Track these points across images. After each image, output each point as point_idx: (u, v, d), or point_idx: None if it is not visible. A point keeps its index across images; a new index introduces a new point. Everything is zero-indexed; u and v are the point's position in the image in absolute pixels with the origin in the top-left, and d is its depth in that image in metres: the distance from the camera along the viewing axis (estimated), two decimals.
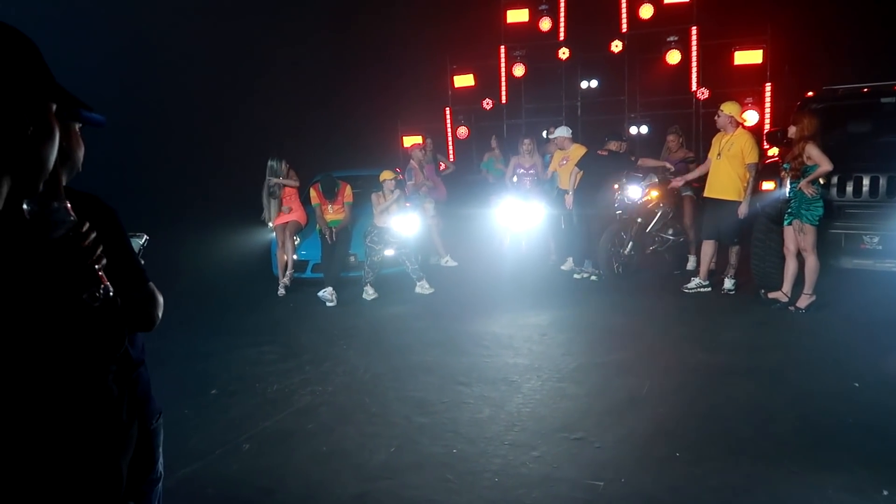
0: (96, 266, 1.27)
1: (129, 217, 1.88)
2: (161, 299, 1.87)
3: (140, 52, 11.37)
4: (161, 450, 2.10)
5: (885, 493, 3.08)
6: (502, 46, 13.22)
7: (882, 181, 5.96)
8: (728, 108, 6.78)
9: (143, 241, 1.99)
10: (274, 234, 8.09)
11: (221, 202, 11.86)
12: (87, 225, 1.24)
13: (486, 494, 3.28)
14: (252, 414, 4.40)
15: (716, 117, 6.88)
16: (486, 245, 9.59)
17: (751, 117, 10.43)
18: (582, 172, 7.97)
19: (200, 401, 4.68)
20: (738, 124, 6.84)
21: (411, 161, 9.21)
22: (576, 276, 7.94)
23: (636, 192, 7.66)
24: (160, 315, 1.87)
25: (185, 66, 12.50)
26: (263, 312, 7.21)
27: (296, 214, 8.01)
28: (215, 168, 12.90)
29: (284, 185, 7.91)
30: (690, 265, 7.97)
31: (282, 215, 7.97)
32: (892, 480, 3.18)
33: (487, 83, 13.51)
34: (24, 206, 1.13)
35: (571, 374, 4.89)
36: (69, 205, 1.18)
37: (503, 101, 13.55)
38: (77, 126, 1.61)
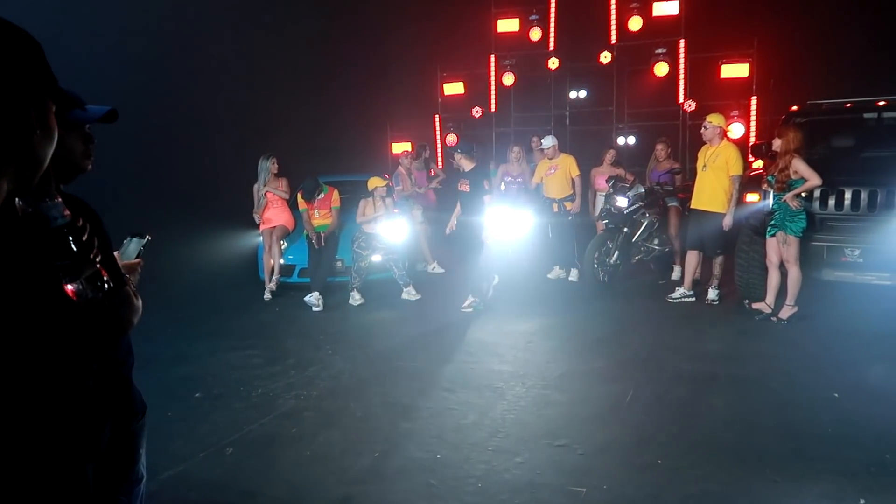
0: (96, 260, 1.28)
1: (113, 220, 1.89)
2: (139, 304, 1.86)
3: (124, 53, 11.31)
4: (143, 451, 2.09)
5: (863, 501, 3.13)
6: (492, 55, 13.30)
7: (864, 195, 6.05)
8: (715, 120, 6.86)
9: (146, 241, 2.01)
10: (261, 238, 8.08)
11: (208, 205, 11.81)
12: (82, 220, 1.25)
13: (470, 500, 3.29)
14: (236, 418, 4.39)
15: (702, 129, 6.93)
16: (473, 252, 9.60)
17: (736, 130, 10.55)
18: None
19: (184, 404, 4.66)
20: (724, 136, 6.92)
21: (399, 167, 9.27)
22: (463, 308, 7.04)
23: (623, 202, 7.72)
24: (136, 320, 1.85)
25: (171, 68, 12.45)
26: (249, 316, 7.19)
27: (283, 219, 8.00)
28: (201, 170, 12.84)
29: (276, 194, 7.91)
30: (675, 275, 8.04)
31: (268, 219, 7.95)
32: (870, 488, 3.23)
33: (477, 91, 13.58)
34: (18, 203, 1.13)
35: (556, 381, 4.91)
36: (61, 201, 1.19)
37: (492, 110, 13.62)
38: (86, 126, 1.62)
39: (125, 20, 11.22)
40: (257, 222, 8.03)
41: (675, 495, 3.28)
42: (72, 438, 1.33)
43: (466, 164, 7.13)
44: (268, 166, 7.87)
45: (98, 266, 1.29)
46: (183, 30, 12.31)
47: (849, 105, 7.22)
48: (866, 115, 6.93)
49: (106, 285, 1.32)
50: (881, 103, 6.89)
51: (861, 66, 12.37)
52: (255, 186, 7.98)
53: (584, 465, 3.60)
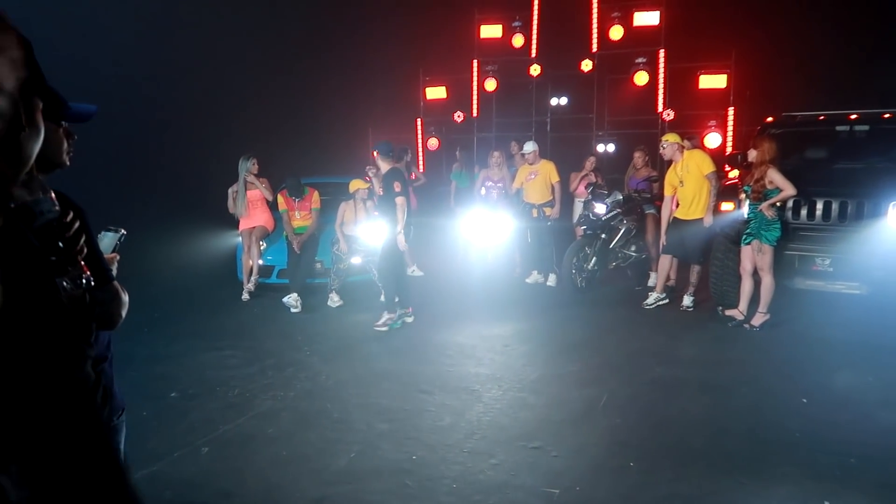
0: (79, 255, 1.30)
1: (91, 216, 1.90)
2: (126, 298, 1.89)
3: (109, 52, 11.21)
4: (122, 447, 2.10)
5: (827, 503, 3.21)
6: (475, 61, 13.38)
7: (835, 206, 6.20)
8: (671, 138, 7.08)
9: (121, 235, 2.01)
10: (240, 238, 8.05)
11: (187, 204, 11.72)
12: (71, 215, 1.27)
13: (445, 500, 3.32)
14: (212, 417, 4.38)
15: (661, 150, 7.12)
16: (453, 256, 9.67)
17: (713, 140, 10.73)
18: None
19: (160, 403, 4.64)
20: (683, 148, 7.07)
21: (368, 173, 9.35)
22: (377, 327, 6.54)
23: (601, 209, 7.82)
24: (124, 314, 1.90)
25: (154, 68, 12.35)
26: (227, 317, 7.17)
27: (262, 219, 7.99)
28: (181, 169, 12.75)
29: (257, 188, 7.86)
30: (651, 281, 8.14)
31: (247, 219, 7.93)
32: (834, 491, 3.31)
33: (459, 96, 13.65)
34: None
35: (532, 384, 4.96)
36: (53, 195, 1.21)
37: (474, 115, 13.69)
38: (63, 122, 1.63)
39: (111, 19, 11.13)
40: (237, 215, 7.99)
41: (646, 497, 3.34)
42: (83, 421, 1.35)
43: (383, 166, 6.68)
44: (248, 166, 7.86)
45: (80, 261, 1.31)
46: (168, 31, 12.23)
47: (822, 118, 7.39)
48: (838, 128, 7.10)
49: (86, 281, 1.34)
50: (853, 116, 7.07)
51: (835, 79, 12.64)
52: (232, 188, 7.94)
53: (558, 467, 3.65)
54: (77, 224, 1.29)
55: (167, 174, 12.85)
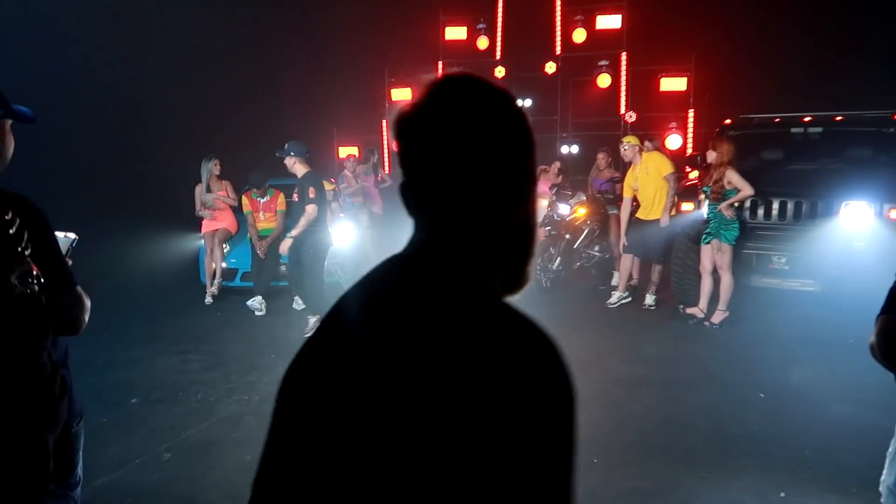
0: (25, 252, 1.28)
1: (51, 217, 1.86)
2: (88, 303, 1.87)
3: (65, 47, 10.96)
4: (81, 454, 2.06)
5: (783, 494, 3.30)
6: (440, 62, 13.40)
7: (790, 205, 6.38)
8: (632, 140, 7.20)
9: (73, 240, 1.97)
10: (202, 240, 7.94)
11: (148, 205, 11.52)
12: (11, 213, 1.24)
13: None
14: (174, 423, 4.31)
15: (622, 152, 7.22)
16: None
17: (674, 141, 10.92)
18: None
19: (120, 410, 4.55)
20: (641, 150, 7.20)
21: (345, 170, 9.30)
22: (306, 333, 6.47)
23: (565, 210, 7.91)
24: (87, 319, 1.88)
25: (109, 63, 12.11)
26: (189, 320, 7.05)
27: (226, 222, 7.89)
28: (141, 169, 12.53)
29: (226, 202, 7.80)
30: (614, 281, 8.25)
31: (210, 221, 7.82)
32: (790, 483, 3.41)
33: None
34: None
35: None
36: None
37: None
38: (8, 123, 1.60)
39: (64, 20, 10.88)
40: (203, 217, 7.88)
41: (609, 492, 3.39)
42: (29, 407, 1.33)
43: (299, 169, 6.26)
44: (209, 167, 7.76)
45: (27, 259, 1.29)
46: (130, 32, 12.01)
47: (778, 120, 7.59)
48: (793, 130, 7.30)
49: (36, 280, 1.31)
50: (807, 119, 7.28)
51: (790, 82, 12.99)
52: (198, 188, 7.85)
53: None
54: (17, 222, 1.27)
55: (128, 176, 12.60)
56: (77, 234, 1.98)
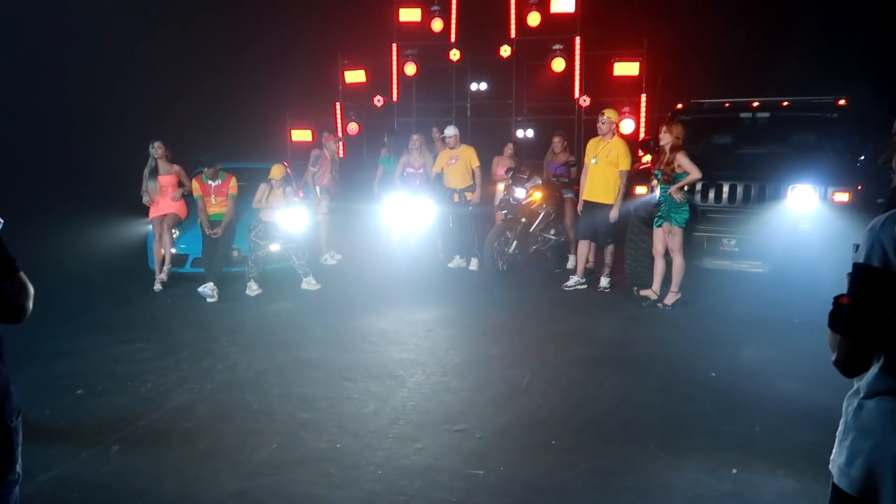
0: None
1: None
2: (32, 290, 1.83)
3: (11, 39, 10.45)
4: (20, 450, 1.96)
5: (735, 471, 3.38)
6: (394, 44, 13.22)
7: (739, 188, 6.51)
8: (611, 115, 7.16)
9: None
10: (150, 226, 7.69)
11: (94, 190, 11.11)
12: None
13: (369, 487, 3.30)
14: (122, 414, 4.17)
15: (599, 123, 7.18)
16: (374, 242, 9.59)
17: (627, 126, 11.04)
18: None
19: (65, 401, 4.38)
20: (616, 132, 7.24)
21: (325, 150, 9.10)
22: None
23: (521, 193, 7.92)
24: (31, 306, 1.84)
25: (54, 43, 11.60)
26: (137, 308, 6.84)
27: (174, 206, 7.65)
28: (86, 152, 12.07)
29: (175, 198, 7.61)
30: (570, 264, 8.34)
31: (158, 206, 7.58)
32: (742, 460, 3.50)
33: (379, 80, 13.47)
34: None
35: (455, 368, 4.99)
36: None
37: (395, 100, 13.56)
38: None
39: (7, 5, 10.36)
40: (144, 202, 7.64)
41: (567, 474, 3.42)
42: None
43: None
44: (151, 152, 7.54)
45: None
46: (75, 15, 11.50)
47: (727, 105, 7.73)
48: (742, 115, 7.44)
49: None
50: (755, 104, 7.43)
51: (740, 67, 13.27)
52: (146, 171, 7.62)
53: (482, 448, 3.69)
54: None
55: (73, 161, 12.16)
56: (5, 219, 1.87)
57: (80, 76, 12.08)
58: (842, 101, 7.04)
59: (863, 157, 6.80)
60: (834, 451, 1.75)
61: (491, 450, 3.67)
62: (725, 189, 6.55)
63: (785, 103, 7.41)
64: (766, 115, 7.32)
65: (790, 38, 13.59)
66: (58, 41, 11.49)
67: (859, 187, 6.22)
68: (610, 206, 7.07)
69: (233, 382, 4.74)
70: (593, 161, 7.11)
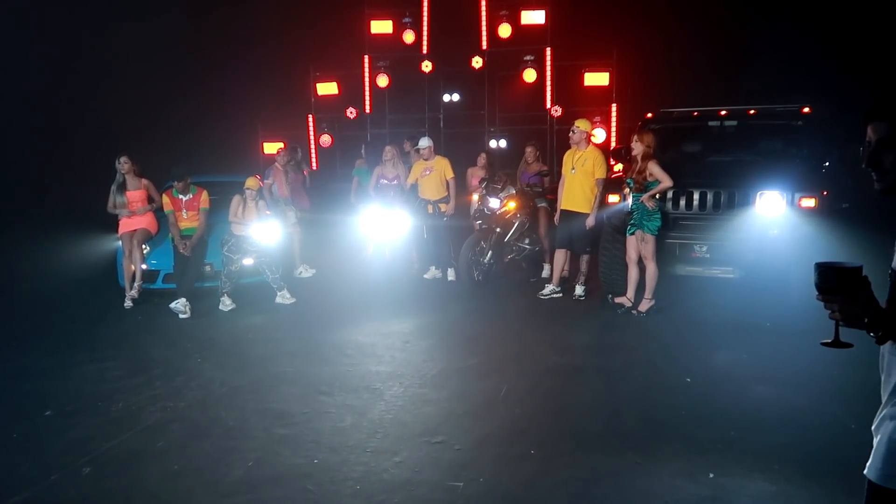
0: None
1: None
2: None
3: None
4: None
5: (711, 475, 3.41)
6: (366, 56, 13.24)
7: (709, 196, 6.61)
8: (583, 125, 7.23)
9: None
10: (120, 242, 7.56)
11: (62, 206, 10.89)
12: None
13: (348, 502, 3.26)
14: (93, 435, 4.07)
15: (571, 134, 7.25)
16: (350, 254, 9.53)
17: (599, 135, 11.16)
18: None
19: (32, 423, 4.27)
20: (590, 140, 7.31)
21: (276, 164, 9.02)
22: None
23: (495, 204, 7.95)
24: None
25: (28, 63, 11.38)
26: (107, 326, 6.70)
27: (144, 221, 7.54)
28: (54, 166, 11.83)
29: (142, 212, 7.50)
30: (545, 273, 8.38)
31: (128, 221, 7.46)
32: (718, 464, 3.52)
33: (351, 92, 13.47)
34: None
35: (433, 379, 4.97)
36: None
37: (367, 111, 13.56)
38: None
39: None
40: (123, 215, 7.51)
41: (547, 483, 3.42)
42: None
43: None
44: (118, 167, 7.43)
45: None
46: (43, 24, 11.30)
47: (696, 114, 7.85)
48: (711, 123, 7.57)
49: None
50: (723, 112, 7.56)
51: (709, 76, 13.50)
52: (113, 186, 7.50)
53: (461, 459, 3.67)
54: None
55: (40, 176, 11.90)
56: None
57: (46, 91, 11.86)
58: (806, 109, 7.20)
59: (827, 164, 6.96)
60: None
61: (470, 461, 3.65)
62: (696, 196, 6.65)
63: (752, 112, 7.55)
64: (734, 123, 7.45)
65: (757, 48, 13.87)
66: (22, 57, 11.27)
67: (825, 193, 6.35)
68: (584, 215, 7.14)
69: (207, 399, 4.66)
70: (572, 171, 7.18)
